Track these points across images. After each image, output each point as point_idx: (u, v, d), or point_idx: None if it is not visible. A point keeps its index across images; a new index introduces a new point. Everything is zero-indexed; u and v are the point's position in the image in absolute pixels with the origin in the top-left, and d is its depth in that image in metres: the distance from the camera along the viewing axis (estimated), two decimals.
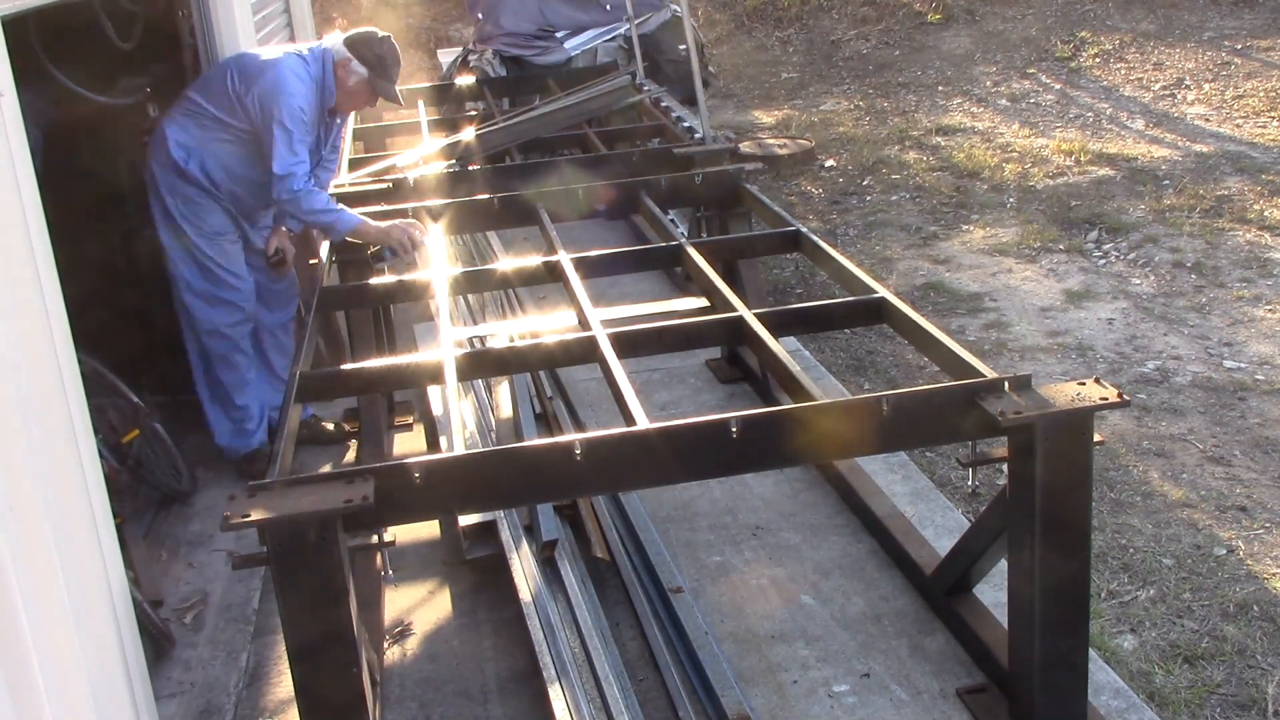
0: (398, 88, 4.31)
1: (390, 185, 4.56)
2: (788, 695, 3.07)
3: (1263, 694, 3.10)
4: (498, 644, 3.37)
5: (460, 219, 4.28)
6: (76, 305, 2.58)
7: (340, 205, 4.09)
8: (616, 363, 2.94)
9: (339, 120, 4.45)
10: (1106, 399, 2.59)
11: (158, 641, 3.37)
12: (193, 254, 4.16)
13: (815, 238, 3.79)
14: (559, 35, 8.26)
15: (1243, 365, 5.11)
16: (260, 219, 4.37)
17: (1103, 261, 6.52)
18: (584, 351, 3.16)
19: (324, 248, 3.98)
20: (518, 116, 5.52)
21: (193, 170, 4.08)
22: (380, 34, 4.26)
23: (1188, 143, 8.54)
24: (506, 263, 3.94)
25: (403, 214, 4.21)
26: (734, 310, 3.28)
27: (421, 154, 5.00)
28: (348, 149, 5.36)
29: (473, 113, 6.62)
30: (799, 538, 3.80)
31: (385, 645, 3.40)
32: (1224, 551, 3.77)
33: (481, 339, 4.60)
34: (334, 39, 4.24)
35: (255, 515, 2.28)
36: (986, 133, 9.32)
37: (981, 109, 10.11)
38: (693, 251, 3.74)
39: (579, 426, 4.41)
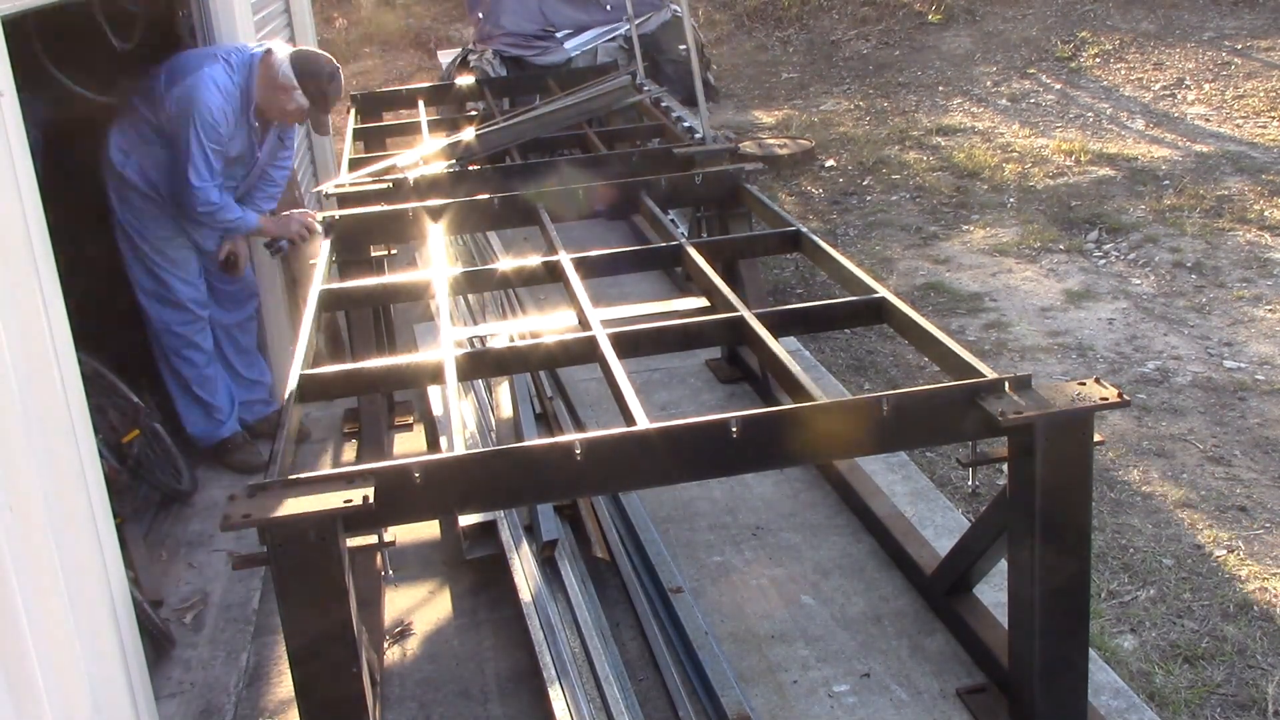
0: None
1: (390, 185, 4.56)
2: (788, 695, 3.07)
3: (1263, 694, 3.10)
4: (498, 644, 3.37)
5: (460, 219, 4.28)
6: (76, 305, 2.58)
7: (245, 210, 4.23)
8: (616, 363, 2.94)
9: (274, 125, 4.37)
10: (1106, 399, 2.59)
11: (158, 641, 3.37)
12: (141, 258, 4.23)
13: (815, 238, 3.79)
14: (559, 35, 8.27)
15: (1243, 365, 5.11)
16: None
17: (1103, 261, 6.52)
18: (584, 351, 3.16)
19: (324, 247, 3.97)
20: (518, 116, 5.51)
21: (131, 174, 4.11)
22: (329, 67, 4.19)
23: (1188, 143, 8.54)
24: (506, 263, 3.94)
25: (403, 214, 4.21)
26: (734, 310, 3.28)
27: (421, 154, 5.00)
28: (348, 149, 5.37)
29: (473, 113, 6.62)
30: (799, 538, 3.80)
31: (385, 645, 3.40)
32: (1224, 551, 3.77)
33: (481, 339, 4.60)
34: (281, 50, 4.18)
35: (255, 515, 2.28)
36: (987, 133, 9.32)
37: (982, 109, 10.11)
38: (693, 251, 3.74)
39: (579, 426, 4.41)
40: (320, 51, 4.31)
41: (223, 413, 4.44)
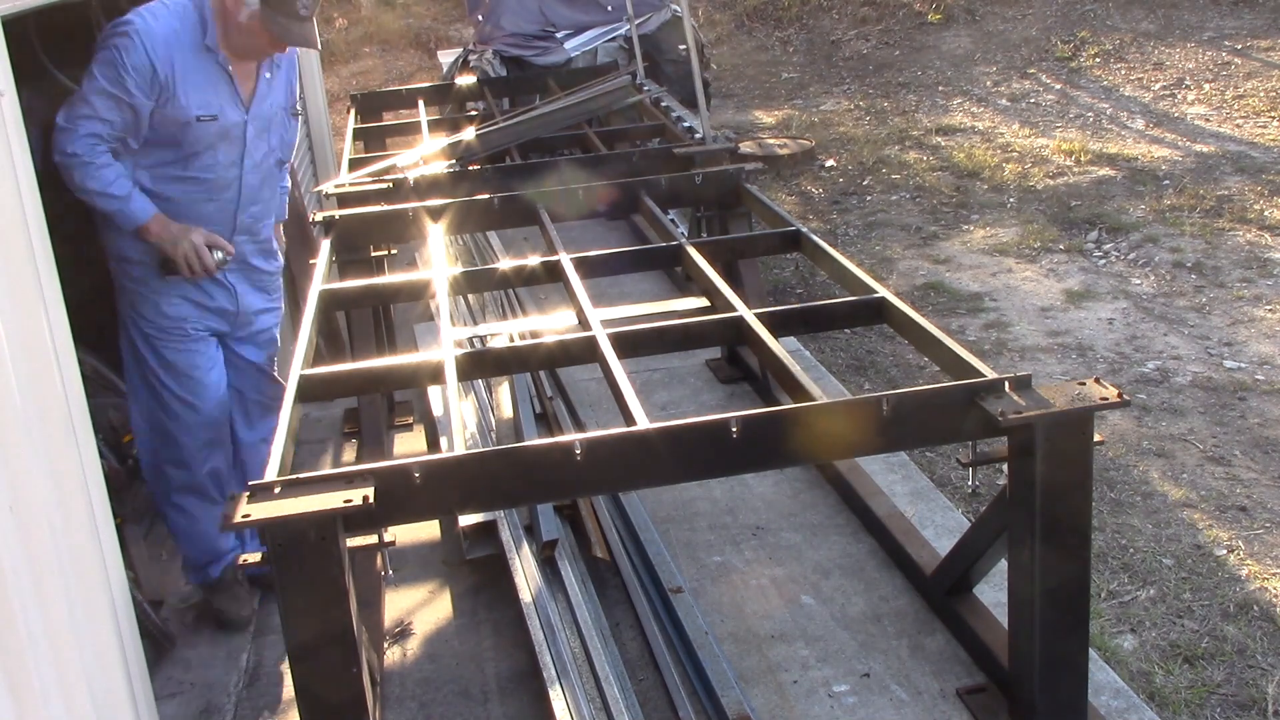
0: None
1: (390, 185, 4.56)
2: (788, 695, 3.06)
3: (1263, 694, 3.10)
4: (498, 644, 3.37)
5: (460, 219, 4.28)
6: (76, 305, 2.58)
7: (133, 192, 3.14)
8: (616, 363, 2.94)
9: (267, 67, 3.34)
10: (1106, 399, 2.59)
11: (158, 641, 3.37)
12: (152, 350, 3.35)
13: (815, 238, 3.79)
14: (559, 35, 8.26)
15: (1243, 365, 5.11)
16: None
17: (1103, 261, 6.52)
18: (584, 351, 3.16)
19: (324, 247, 3.97)
20: (518, 116, 5.52)
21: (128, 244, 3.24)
22: None
23: (1188, 143, 8.54)
24: (506, 263, 3.94)
25: (403, 214, 4.21)
26: (734, 310, 3.28)
27: (421, 154, 4.99)
28: (348, 149, 5.37)
29: (473, 113, 6.62)
30: (799, 538, 3.80)
31: (385, 645, 3.40)
32: (1224, 551, 3.77)
33: (482, 339, 4.60)
34: None
35: (255, 515, 2.28)
36: (987, 133, 9.32)
37: (982, 109, 10.11)
38: (693, 251, 3.74)
39: (579, 426, 4.41)
40: None
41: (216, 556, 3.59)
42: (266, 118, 3.37)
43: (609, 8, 8.31)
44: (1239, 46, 10.64)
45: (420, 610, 3.57)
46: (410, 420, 4.82)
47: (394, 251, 4.51)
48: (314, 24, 3.23)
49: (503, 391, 4.62)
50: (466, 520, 3.76)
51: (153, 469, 3.48)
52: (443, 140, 5.21)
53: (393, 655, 3.36)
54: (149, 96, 3.05)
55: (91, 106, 3.00)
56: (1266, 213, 6.91)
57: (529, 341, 3.37)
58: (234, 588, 3.59)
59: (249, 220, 3.45)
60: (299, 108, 3.63)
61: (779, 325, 3.28)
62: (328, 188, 4.66)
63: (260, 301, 3.58)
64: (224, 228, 3.35)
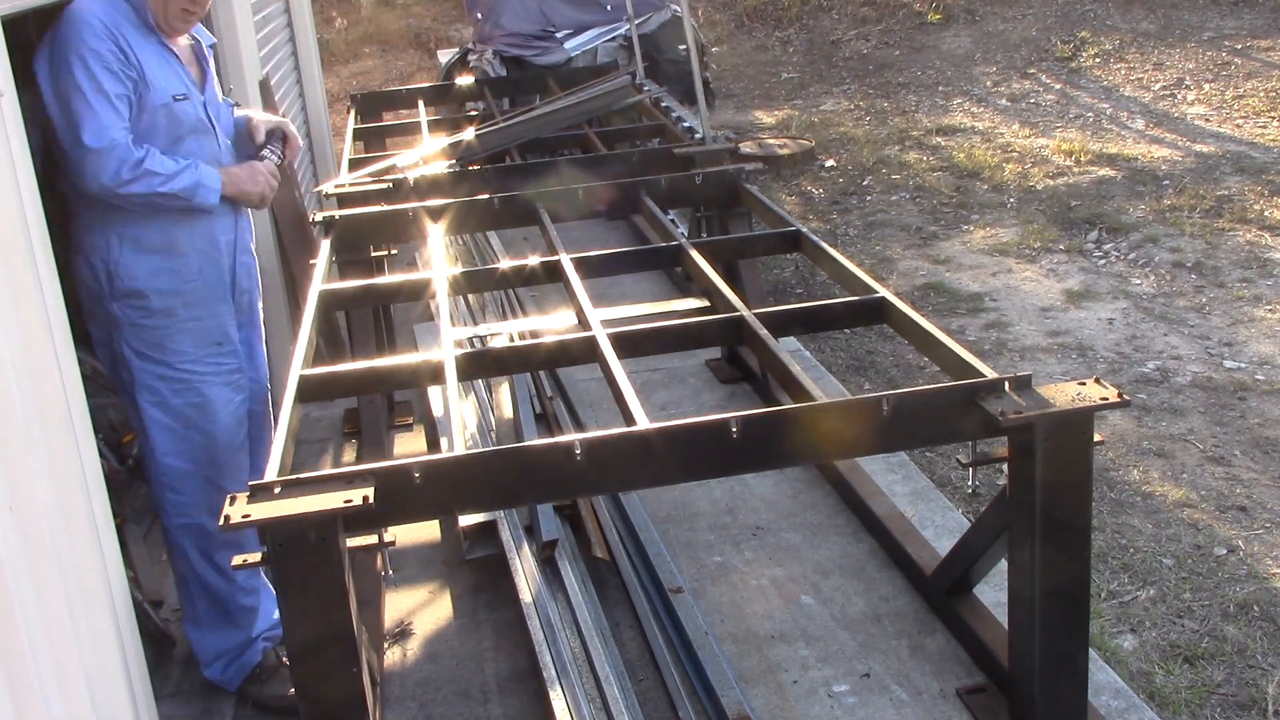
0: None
1: (390, 185, 4.56)
2: (788, 695, 3.06)
3: (1263, 694, 3.10)
4: (498, 644, 3.37)
5: (460, 219, 4.28)
6: (76, 305, 2.57)
7: (189, 163, 2.89)
8: (616, 363, 2.94)
9: (200, 55, 3.13)
10: (1106, 399, 2.59)
11: (158, 641, 3.36)
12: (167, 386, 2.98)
13: (815, 238, 3.79)
14: (559, 35, 8.26)
15: (1243, 365, 5.11)
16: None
17: (1103, 261, 6.52)
18: (584, 351, 3.16)
19: (324, 247, 3.97)
20: (518, 116, 5.52)
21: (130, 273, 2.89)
22: None
23: (1188, 143, 8.54)
24: (506, 263, 3.94)
25: (403, 214, 4.21)
26: (734, 310, 3.28)
27: (421, 154, 5.00)
28: (348, 149, 5.37)
29: (473, 113, 6.62)
30: (799, 538, 3.80)
31: (385, 645, 3.40)
32: (1224, 551, 3.77)
33: (482, 339, 4.60)
34: None
35: (255, 515, 2.28)
36: (987, 133, 9.32)
37: (982, 109, 10.11)
38: (693, 251, 3.74)
39: (579, 426, 4.41)
40: None
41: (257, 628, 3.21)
42: (218, 104, 3.14)
43: (609, 7, 8.32)
44: (1239, 46, 10.64)
45: (420, 610, 3.57)
46: (410, 420, 4.82)
47: (394, 251, 4.51)
48: None
49: (503, 391, 4.62)
50: (466, 520, 3.76)
51: (175, 527, 3.07)
52: (443, 140, 5.21)
53: (393, 655, 3.36)
54: (130, 82, 2.80)
55: (110, 113, 2.73)
56: (1266, 213, 6.91)
57: (529, 341, 3.37)
58: (279, 670, 3.17)
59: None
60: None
61: (779, 325, 3.28)
62: (328, 188, 4.66)
63: (258, 294, 3.33)
64: (231, 215, 3.09)
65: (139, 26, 2.86)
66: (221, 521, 2.28)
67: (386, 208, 4.34)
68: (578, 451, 2.48)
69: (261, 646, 3.19)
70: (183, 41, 3.03)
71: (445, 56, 9.50)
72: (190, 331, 2.99)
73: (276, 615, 3.15)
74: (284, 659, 3.08)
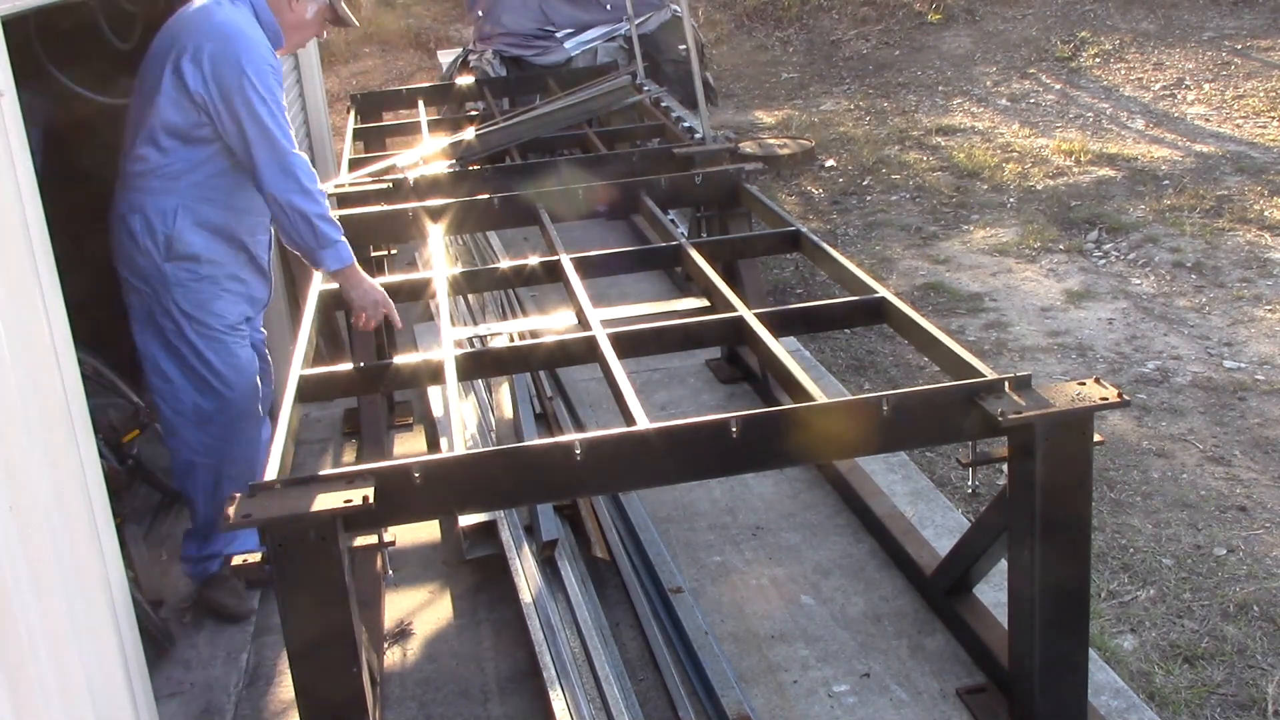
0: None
1: (390, 185, 4.56)
2: (788, 695, 3.07)
3: (1263, 694, 3.10)
4: (498, 644, 3.37)
5: (460, 219, 4.28)
6: (76, 305, 2.57)
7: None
8: (616, 363, 2.95)
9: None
10: (1106, 399, 2.59)
11: (158, 641, 3.37)
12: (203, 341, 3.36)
13: (815, 238, 3.80)
14: (559, 35, 8.26)
15: (1243, 365, 5.11)
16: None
17: (1103, 261, 6.52)
18: (584, 351, 3.16)
19: None
20: (518, 116, 5.52)
21: (189, 235, 3.28)
22: None
23: (1188, 143, 8.54)
24: (506, 263, 3.94)
25: (403, 214, 4.20)
26: (734, 310, 3.28)
27: (421, 154, 5.00)
28: (348, 149, 5.37)
29: (473, 113, 6.62)
30: (799, 538, 3.80)
31: (385, 645, 3.40)
32: (1224, 551, 3.77)
33: (482, 339, 4.60)
34: None
35: (255, 515, 2.28)
36: (987, 133, 9.32)
37: (982, 109, 10.11)
38: (693, 251, 3.74)
39: (579, 426, 4.41)
40: None
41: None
42: None
43: (609, 7, 8.32)
44: (1239, 46, 10.64)
45: (420, 610, 3.57)
46: (410, 420, 4.82)
47: (394, 251, 4.52)
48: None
49: (503, 391, 4.62)
50: (466, 520, 3.76)
51: (188, 461, 3.44)
52: (443, 140, 5.22)
53: (393, 655, 3.36)
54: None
55: (291, 141, 3.18)
56: (1266, 213, 6.91)
57: (529, 341, 3.37)
58: (230, 581, 3.59)
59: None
60: None
61: (779, 325, 3.28)
62: (328, 188, 4.65)
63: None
64: (265, 216, 3.43)
65: (270, 48, 3.29)
66: (221, 521, 2.29)
67: (386, 208, 4.34)
68: (578, 451, 2.48)
69: (219, 559, 3.55)
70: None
71: (446, 58, 9.50)
72: (229, 298, 3.38)
73: (253, 541, 3.33)
74: (234, 569, 3.14)
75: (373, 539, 2.52)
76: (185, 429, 3.39)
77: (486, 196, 4.34)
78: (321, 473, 2.42)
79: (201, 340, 3.32)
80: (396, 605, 3.59)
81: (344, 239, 3.33)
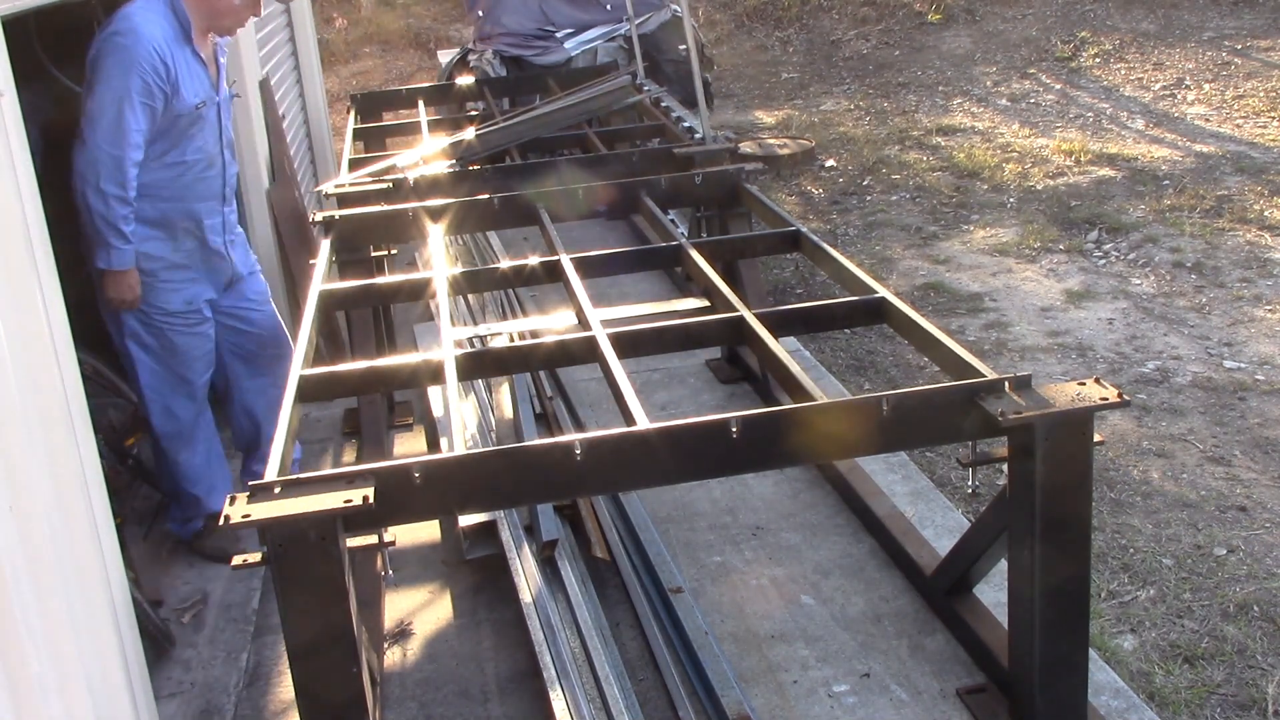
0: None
1: (390, 185, 4.56)
2: (788, 695, 3.07)
3: (1263, 694, 3.10)
4: (498, 644, 3.37)
5: (460, 219, 4.28)
6: (76, 305, 2.58)
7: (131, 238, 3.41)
8: (616, 363, 2.94)
9: (220, 53, 3.70)
10: (1106, 399, 2.59)
11: (158, 641, 3.37)
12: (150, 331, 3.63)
13: (815, 238, 3.79)
14: (559, 35, 8.26)
15: (1243, 365, 5.11)
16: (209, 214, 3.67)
17: (1103, 261, 6.52)
18: (584, 351, 3.16)
19: (324, 247, 3.97)
20: (518, 116, 5.52)
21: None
22: None
23: (1188, 143, 8.54)
24: (506, 263, 3.93)
25: (403, 214, 4.20)
26: (734, 310, 3.28)
27: (421, 154, 5.00)
28: (348, 149, 5.37)
29: (473, 113, 6.62)
30: (799, 538, 3.80)
31: (385, 645, 3.40)
32: (1224, 551, 3.77)
33: (482, 339, 4.60)
34: None
35: (255, 515, 2.28)
36: (987, 133, 9.32)
37: (982, 109, 10.11)
38: (693, 251, 3.74)
39: (579, 426, 4.41)
40: None
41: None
42: (227, 98, 3.73)
43: (609, 7, 8.31)
44: (1239, 46, 10.64)
45: (420, 610, 3.57)
46: (410, 420, 4.82)
47: (394, 251, 4.51)
48: None
49: (503, 391, 4.62)
50: (466, 520, 3.76)
51: (164, 426, 3.75)
52: (443, 140, 5.21)
53: (393, 655, 3.36)
54: (163, 95, 3.33)
55: (135, 128, 3.26)
56: (1266, 213, 6.91)
57: (529, 341, 3.37)
58: (212, 528, 3.88)
59: (229, 191, 3.77)
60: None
61: (779, 325, 3.28)
62: (328, 188, 4.66)
63: (249, 262, 3.94)
64: (216, 200, 3.68)
65: (180, 41, 3.39)
66: (221, 521, 2.29)
67: (386, 208, 4.34)
68: (578, 451, 2.48)
69: (204, 515, 3.87)
70: (207, 45, 3.56)
71: (445, 57, 9.50)
72: (167, 292, 3.60)
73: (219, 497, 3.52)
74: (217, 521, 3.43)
75: (373, 539, 2.52)
76: (144, 404, 3.73)
77: (486, 196, 4.34)
78: (321, 473, 2.42)
79: (142, 329, 3.61)
80: (396, 605, 3.59)
81: (124, 246, 3.38)
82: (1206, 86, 9.82)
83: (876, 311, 3.31)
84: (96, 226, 3.33)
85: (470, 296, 5.54)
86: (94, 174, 3.26)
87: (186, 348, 3.69)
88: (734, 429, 2.54)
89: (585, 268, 3.73)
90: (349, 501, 2.30)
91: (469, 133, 5.24)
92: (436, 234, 4.10)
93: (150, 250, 3.51)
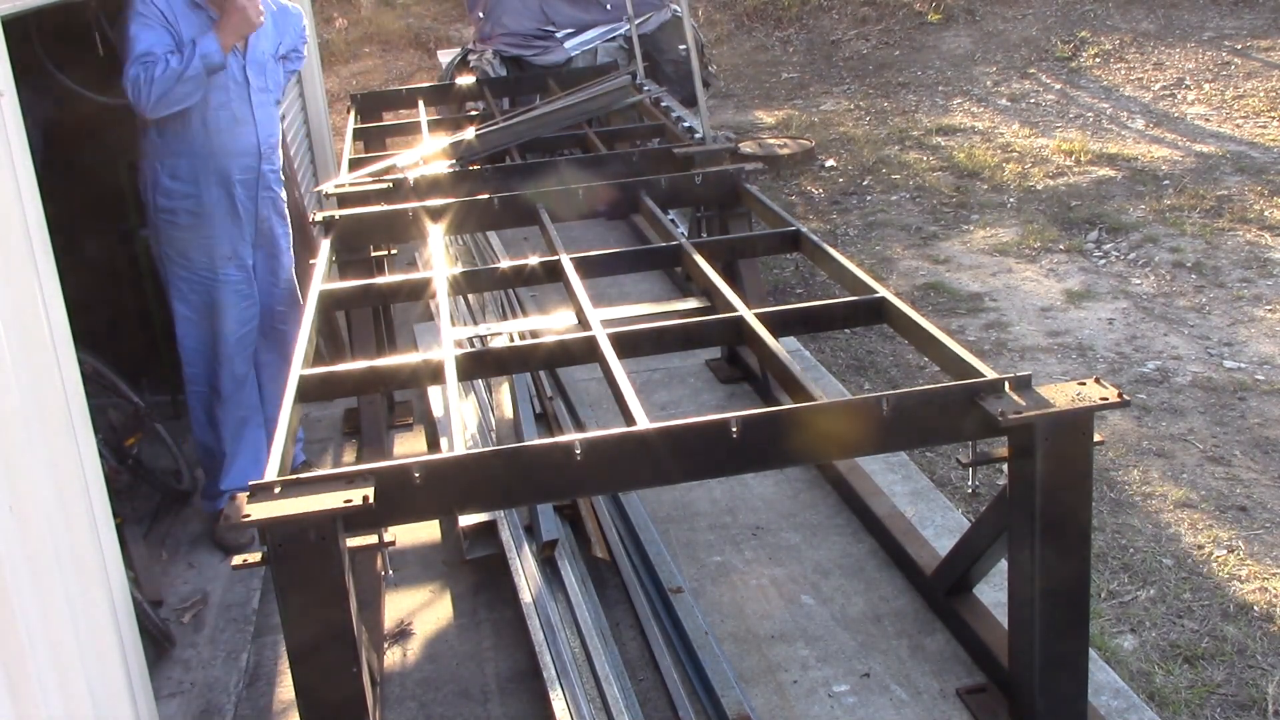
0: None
1: (390, 185, 4.56)
2: (788, 695, 3.07)
3: (1263, 694, 3.10)
4: (498, 644, 3.37)
5: (460, 219, 4.28)
6: (76, 305, 2.58)
7: (191, 50, 3.54)
8: (616, 363, 2.94)
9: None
10: (1106, 399, 2.59)
11: (158, 641, 3.37)
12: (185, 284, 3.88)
13: (815, 238, 3.79)
14: (559, 35, 8.26)
15: (1243, 365, 5.11)
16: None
17: (1103, 261, 6.52)
18: (584, 351, 3.16)
19: (324, 247, 3.97)
20: (518, 116, 5.51)
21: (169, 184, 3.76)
22: None
23: (1188, 143, 8.54)
24: (506, 263, 3.93)
25: (403, 214, 4.21)
26: (734, 310, 3.28)
27: (421, 154, 4.99)
28: (348, 149, 5.37)
29: (473, 113, 6.62)
30: (799, 538, 3.80)
31: (385, 645, 3.40)
32: (1224, 551, 3.77)
33: (482, 339, 4.60)
34: None
35: (255, 515, 2.28)
36: (987, 133, 9.32)
37: (982, 109, 10.11)
38: (693, 251, 3.74)
39: (579, 426, 4.41)
40: None
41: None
42: (260, 62, 3.86)
43: (609, 7, 8.31)
44: (1239, 46, 10.64)
45: (420, 610, 3.57)
46: (410, 420, 4.82)
47: (394, 251, 4.51)
48: None
49: (503, 391, 4.62)
50: (466, 520, 3.76)
51: (194, 393, 3.98)
52: (443, 140, 5.21)
53: (393, 655, 3.36)
54: (167, 32, 3.54)
55: (143, 44, 3.47)
56: (1266, 213, 6.91)
57: (529, 341, 3.37)
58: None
59: (268, 149, 3.92)
60: (292, 57, 4.12)
61: (779, 325, 3.28)
62: (328, 188, 4.66)
63: (281, 225, 4.08)
64: (251, 157, 3.85)
65: (190, 4, 3.59)
66: (222, 520, 2.29)
67: (386, 208, 4.34)
68: (578, 451, 2.48)
69: (227, 496, 3.71)
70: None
71: (446, 58, 9.50)
72: (205, 245, 3.81)
73: (243, 478, 3.88)
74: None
75: (373, 539, 2.52)
76: (183, 367, 3.95)
77: (486, 196, 4.34)
78: (321, 472, 2.42)
79: (184, 284, 3.85)
80: (396, 605, 3.60)
81: (188, 55, 3.53)
82: (1206, 86, 9.82)
83: (876, 311, 3.31)
84: (171, 83, 3.50)
85: (470, 296, 5.54)
86: (132, 83, 3.47)
87: (228, 305, 3.87)
88: (734, 429, 2.54)
89: (585, 268, 3.72)
90: (349, 501, 2.30)
91: (469, 133, 5.24)
92: (436, 234, 4.10)
93: (186, 206, 3.76)
